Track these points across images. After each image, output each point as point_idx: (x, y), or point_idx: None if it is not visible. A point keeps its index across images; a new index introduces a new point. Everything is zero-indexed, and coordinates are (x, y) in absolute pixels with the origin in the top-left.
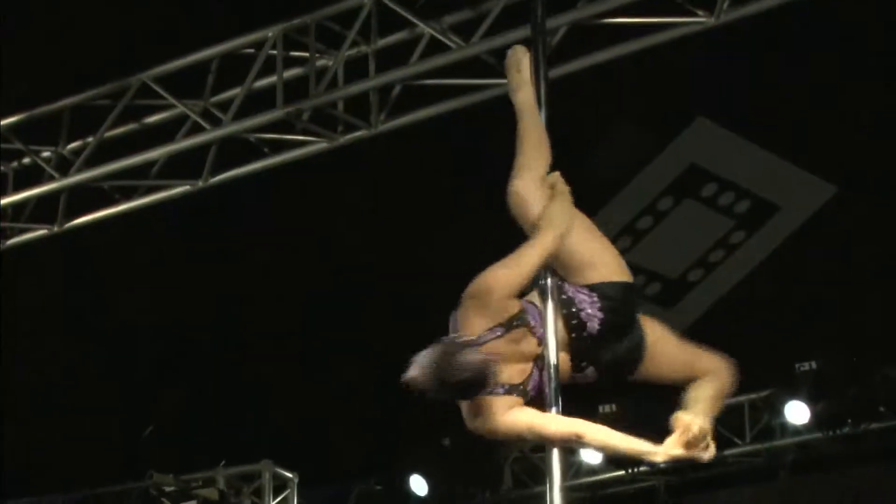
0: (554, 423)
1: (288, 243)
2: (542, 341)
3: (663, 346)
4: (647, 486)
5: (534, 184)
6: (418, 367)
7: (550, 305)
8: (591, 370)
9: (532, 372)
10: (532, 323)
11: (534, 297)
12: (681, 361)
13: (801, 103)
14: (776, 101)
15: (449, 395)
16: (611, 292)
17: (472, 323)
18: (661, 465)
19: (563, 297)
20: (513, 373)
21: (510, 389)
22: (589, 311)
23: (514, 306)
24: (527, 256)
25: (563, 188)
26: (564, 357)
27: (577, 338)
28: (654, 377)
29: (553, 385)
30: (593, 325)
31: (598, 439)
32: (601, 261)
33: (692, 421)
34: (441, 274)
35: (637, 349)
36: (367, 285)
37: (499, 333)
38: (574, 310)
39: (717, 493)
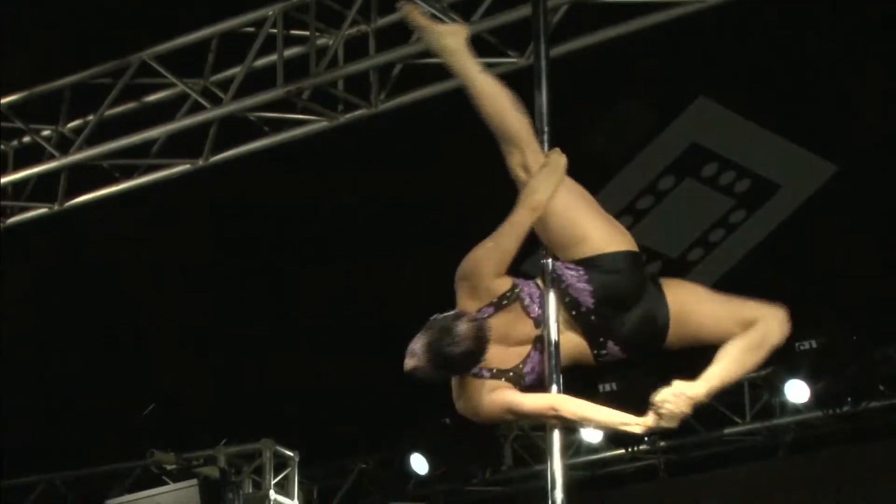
0: (529, 399)
1: (287, 221)
2: (538, 322)
3: (693, 307)
4: (646, 465)
5: (524, 157)
6: (414, 351)
7: (549, 288)
8: (612, 346)
9: (530, 355)
10: (526, 301)
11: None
12: (716, 319)
13: (801, 81)
14: (776, 80)
15: (446, 371)
16: (601, 263)
17: (464, 305)
18: (641, 435)
19: (553, 275)
20: (504, 356)
21: (497, 374)
22: (577, 285)
23: (503, 284)
24: (504, 234)
25: (555, 161)
26: (575, 337)
27: (577, 315)
28: (695, 340)
29: (552, 363)
30: (586, 300)
31: (574, 411)
32: (591, 234)
33: (664, 398)
34: (441, 253)
35: (654, 318)
36: (367, 263)
37: (490, 312)
38: (563, 286)
39: (717, 471)
